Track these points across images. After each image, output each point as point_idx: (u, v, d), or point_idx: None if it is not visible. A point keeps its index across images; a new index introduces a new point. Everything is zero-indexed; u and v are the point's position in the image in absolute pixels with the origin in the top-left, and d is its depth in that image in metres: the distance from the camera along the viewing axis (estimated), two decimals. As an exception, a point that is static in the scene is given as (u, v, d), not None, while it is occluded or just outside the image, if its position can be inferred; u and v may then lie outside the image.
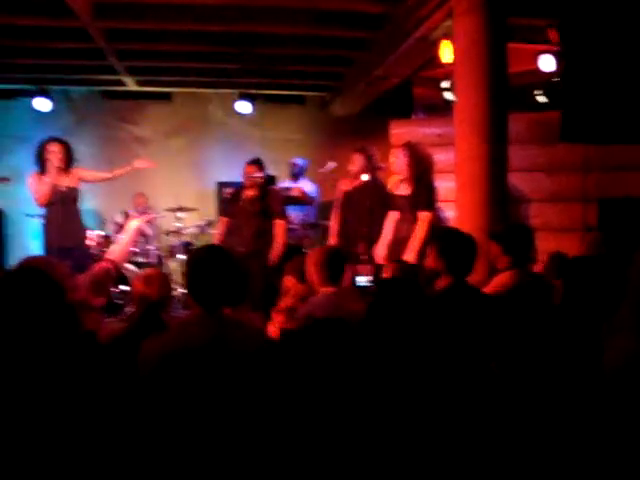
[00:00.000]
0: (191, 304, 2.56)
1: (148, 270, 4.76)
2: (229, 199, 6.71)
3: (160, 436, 1.89)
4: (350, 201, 6.04)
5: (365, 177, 5.93)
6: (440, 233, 3.80)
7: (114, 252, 3.67)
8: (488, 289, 3.63)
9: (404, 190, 5.39)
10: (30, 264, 1.98)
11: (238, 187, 6.59)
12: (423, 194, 5.28)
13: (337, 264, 3.70)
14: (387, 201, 5.65)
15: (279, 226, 6.27)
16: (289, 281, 3.96)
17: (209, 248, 2.79)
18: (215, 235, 6.83)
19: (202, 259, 2.62)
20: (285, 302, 4.02)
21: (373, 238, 5.71)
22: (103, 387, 1.89)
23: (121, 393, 1.94)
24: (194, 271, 2.58)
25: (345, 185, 6.17)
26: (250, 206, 6.27)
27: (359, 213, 5.88)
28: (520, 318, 2.92)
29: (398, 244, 5.31)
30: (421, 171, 5.31)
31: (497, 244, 3.81)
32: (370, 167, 5.92)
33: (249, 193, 6.33)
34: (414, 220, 5.25)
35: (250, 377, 2.18)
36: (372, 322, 2.44)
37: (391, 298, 2.53)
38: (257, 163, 6.33)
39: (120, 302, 6.38)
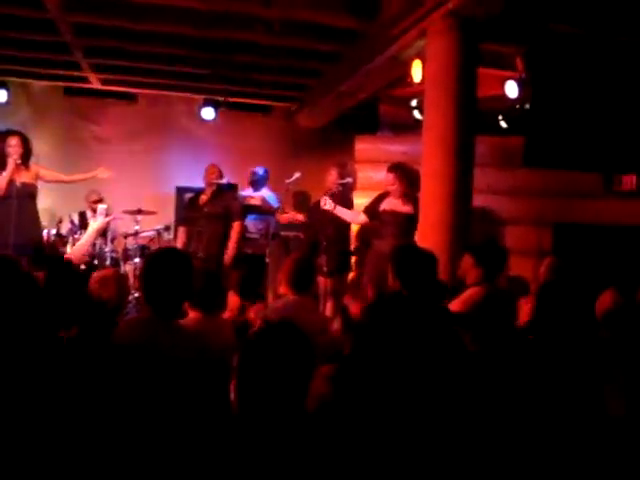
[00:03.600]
0: (142, 306, 2.56)
1: (104, 271, 4.61)
2: (187, 206, 6.70)
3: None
4: (316, 213, 6.08)
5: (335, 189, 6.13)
6: (396, 251, 3.72)
7: (75, 252, 3.57)
8: (458, 305, 3.60)
9: (400, 207, 5.33)
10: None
11: (195, 193, 6.59)
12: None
13: (305, 273, 3.69)
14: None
15: (235, 227, 6.35)
16: (229, 295, 3.95)
17: (166, 251, 2.80)
18: (176, 245, 6.79)
19: (158, 261, 2.63)
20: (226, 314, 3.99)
21: (334, 249, 5.73)
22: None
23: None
24: (148, 273, 2.60)
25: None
26: (209, 209, 6.27)
27: (322, 225, 5.89)
28: (487, 334, 2.89)
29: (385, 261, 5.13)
30: (417, 190, 5.27)
31: (470, 256, 3.82)
32: (341, 181, 6.11)
33: (205, 197, 6.33)
34: (406, 237, 5.14)
35: (184, 382, 2.20)
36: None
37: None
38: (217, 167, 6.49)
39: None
